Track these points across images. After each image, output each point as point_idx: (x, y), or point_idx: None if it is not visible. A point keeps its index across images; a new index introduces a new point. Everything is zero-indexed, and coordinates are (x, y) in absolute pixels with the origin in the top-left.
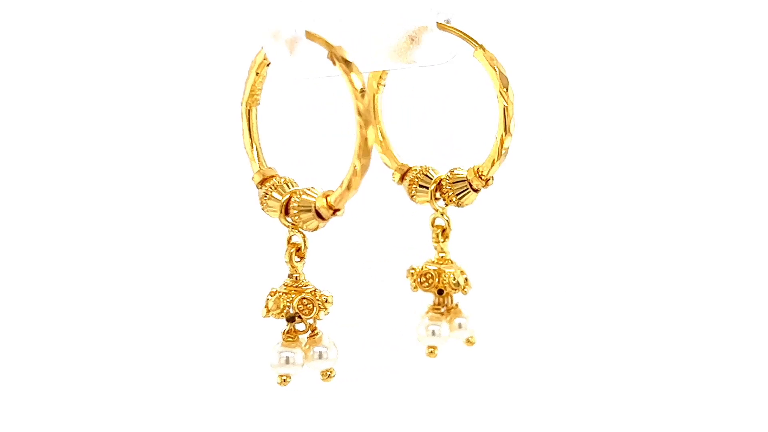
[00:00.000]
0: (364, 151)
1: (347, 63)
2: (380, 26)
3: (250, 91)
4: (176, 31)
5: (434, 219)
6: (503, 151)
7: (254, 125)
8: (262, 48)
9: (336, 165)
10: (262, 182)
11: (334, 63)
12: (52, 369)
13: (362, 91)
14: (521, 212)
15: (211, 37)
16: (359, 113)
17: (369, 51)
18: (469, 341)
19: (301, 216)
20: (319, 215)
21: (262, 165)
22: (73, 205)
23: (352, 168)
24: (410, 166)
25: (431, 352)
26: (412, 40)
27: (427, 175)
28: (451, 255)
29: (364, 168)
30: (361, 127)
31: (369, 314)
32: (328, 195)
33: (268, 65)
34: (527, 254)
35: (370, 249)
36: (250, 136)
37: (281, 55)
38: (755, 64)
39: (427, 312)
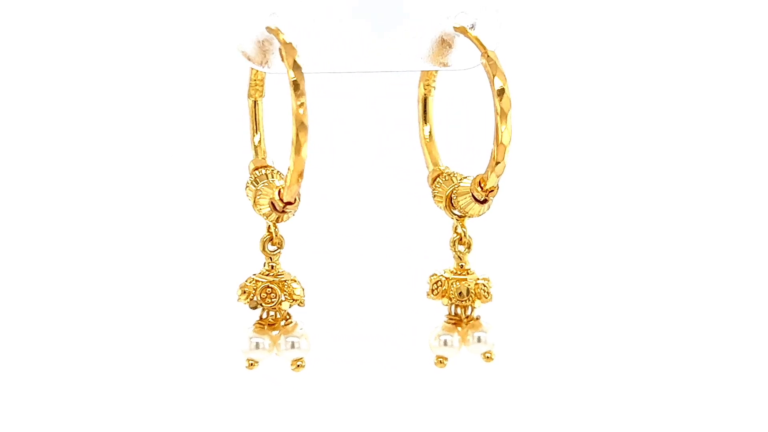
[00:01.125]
0: (295, 148)
1: (293, 62)
2: (398, 27)
3: (252, 82)
4: (184, 21)
5: (456, 226)
6: (496, 163)
7: (259, 116)
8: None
9: (338, 164)
10: (254, 172)
11: (282, 60)
12: (26, 352)
13: (297, 90)
14: (546, 222)
15: (218, 31)
16: (292, 112)
17: (391, 50)
18: (486, 356)
19: (261, 208)
20: (274, 207)
21: (259, 155)
22: (61, 194)
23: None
24: (442, 170)
25: (440, 362)
26: (443, 42)
27: (447, 182)
28: (470, 265)
29: (298, 163)
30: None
31: (383, 315)
32: (281, 189)
33: None
34: (550, 266)
35: (395, 251)
36: (255, 127)
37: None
38: (759, 64)
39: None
